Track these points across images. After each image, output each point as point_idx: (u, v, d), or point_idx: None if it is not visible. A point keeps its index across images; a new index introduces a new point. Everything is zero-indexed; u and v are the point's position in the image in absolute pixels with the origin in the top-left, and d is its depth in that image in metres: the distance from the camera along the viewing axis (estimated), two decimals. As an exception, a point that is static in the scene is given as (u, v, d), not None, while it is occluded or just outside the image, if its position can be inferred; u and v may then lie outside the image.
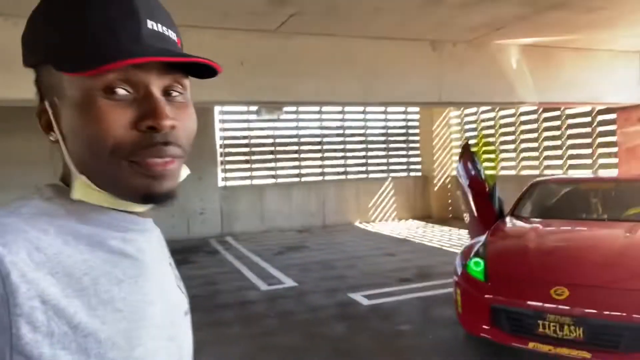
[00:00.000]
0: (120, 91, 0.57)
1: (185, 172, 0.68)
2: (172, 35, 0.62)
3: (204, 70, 0.61)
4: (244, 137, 10.48)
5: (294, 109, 10.53)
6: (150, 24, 0.58)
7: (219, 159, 10.16)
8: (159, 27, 0.60)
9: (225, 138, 10.31)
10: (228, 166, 10.35)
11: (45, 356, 0.52)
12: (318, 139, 11.15)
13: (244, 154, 10.48)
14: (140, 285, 0.63)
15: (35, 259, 0.53)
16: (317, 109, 10.97)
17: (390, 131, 11.91)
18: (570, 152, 9.02)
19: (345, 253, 7.91)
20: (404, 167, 12.05)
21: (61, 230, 0.58)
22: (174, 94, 0.61)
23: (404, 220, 11.51)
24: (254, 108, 9.46)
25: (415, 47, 5.95)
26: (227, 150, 10.33)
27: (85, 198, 0.61)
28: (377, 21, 5.15)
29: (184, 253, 8.13)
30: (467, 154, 5.34)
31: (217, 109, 9.92)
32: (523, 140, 9.96)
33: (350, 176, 11.48)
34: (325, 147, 11.23)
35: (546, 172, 9.24)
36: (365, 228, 10.62)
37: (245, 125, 10.47)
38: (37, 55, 0.60)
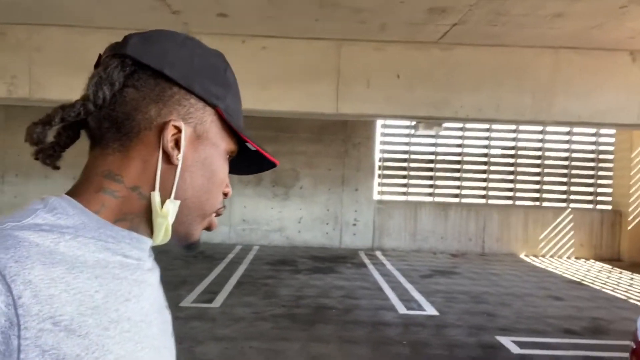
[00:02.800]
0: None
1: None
2: None
3: (261, 162, 0.72)
4: (404, 152, 10.27)
5: (457, 125, 9.94)
6: None
7: (377, 172, 10.14)
8: None
9: (384, 152, 10.26)
10: (385, 180, 10.27)
11: None
12: (484, 158, 10.31)
13: (402, 168, 10.27)
14: (141, 304, 0.62)
15: (51, 275, 0.52)
16: (485, 125, 10.16)
17: (574, 155, 10.37)
18: None
19: (501, 287, 7.08)
20: (590, 197, 10.34)
21: (72, 244, 0.56)
22: None
23: (584, 260, 9.86)
24: (414, 123, 9.21)
25: (608, 58, 5.01)
26: (385, 164, 10.27)
27: (161, 218, 0.63)
28: (557, 28, 4.46)
29: (332, 262, 8.28)
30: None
31: (378, 122, 9.94)
32: None
33: (519, 202, 10.33)
34: (491, 167, 10.32)
35: None
36: (532, 262, 9.39)
37: (405, 139, 10.26)
38: (197, 85, 0.63)
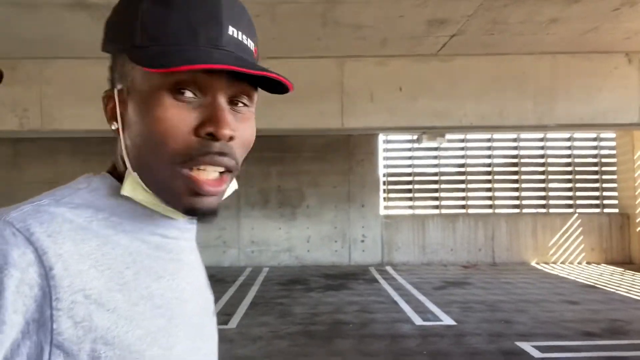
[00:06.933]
0: (188, 94, 0.56)
1: (232, 187, 0.65)
2: (251, 44, 0.60)
3: (275, 85, 0.59)
4: (407, 166, 10.34)
5: (459, 137, 10.04)
6: (231, 30, 0.57)
7: (382, 187, 10.19)
8: (239, 35, 0.58)
9: (388, 166, 10.33)
10: (390, 195, 10.31)
11: (85, 352, 0.51)
12: (487, 169, 10.37)
13: (407, 182, 10.32)
14: (177, 282, 0.62)
15: (79, 251, 0.53)
16: (486, 136, 10.25)
17: (577, 160, 10.42)
18: None
19: (515, 295, 7.03)
20: (596, 201, 10.35)
21: (105, 223, 0.57)
22: (240, 104, 0.59)
23: (595, 265, 9.80)
24: (416, 137, 9.31)
25: (604, 61, 5.11)
26: (389, 179, 10.32)
27: (133, 196, 0.60)
28: (553, 34, 4.58)
29: (344, 279, 8.25)
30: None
31: (381, 138, 10.04)
32: None
33: (525, 210, 10.33)
34: (495, 176, 10.37)
35: None
36: (543, 269, 9.34)
37: (408, 154, 10.34)
38: (117, 44, 0.60)
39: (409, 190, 10.31)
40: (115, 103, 0.61)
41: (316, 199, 9.79)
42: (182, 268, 0.64)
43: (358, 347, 4.72)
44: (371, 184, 9.93)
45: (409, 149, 10.29)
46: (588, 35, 4.62)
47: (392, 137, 10.20)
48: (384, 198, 10.22)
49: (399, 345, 4.79)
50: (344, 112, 5.07)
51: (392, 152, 10.40)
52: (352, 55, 5.03)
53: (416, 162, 10.33)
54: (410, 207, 10.29)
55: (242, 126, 0.59)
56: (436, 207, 10.29)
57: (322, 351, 4.59)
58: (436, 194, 10.29)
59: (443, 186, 10.30)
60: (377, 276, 8.64)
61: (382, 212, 10.11)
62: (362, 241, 9.84)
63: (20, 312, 0.49)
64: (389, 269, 9.39)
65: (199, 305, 0.66)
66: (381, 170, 10.19)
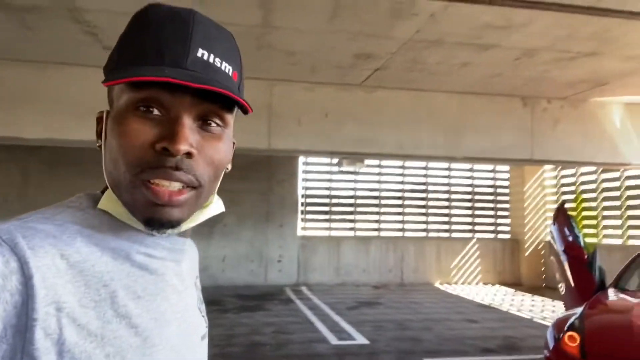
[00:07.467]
0: (153, 110, 0.58)
1: (217, 208, 0.68)
2: (227, 68, 0.61)
3: (242, 106, 0.61)
4: (326, 189, 10.61)
5: (375, 162, 10.55)
6: (201, 52, 0.58)
7: (300, 208, 10.33)
8: (210, 57, 0.59)
9: (307, 188, 10.52)
10: (308, 216, 10.48)
11: None
12: (399, 194, 10.98)
13: (324, 204, 10.57)
14: (157, 303, 0.62)
15: (57, 266, 0.54)
16: (399, 163, 10.88)
17: (477, 189, 11.43)
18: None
19: (422, 314, 7.47)
20: (491, 227, 11.38)
21: (89, 240, 0.59)
22: (212, 124, 0.61)
23: (490, 285, 10.72)
24: (335, 160, 9.62)
25: (505, 103, 5.76)
26: (308, 200, 10.51)
27: (110, 210, 0.62)
28: (464, 76, 5.08)
29: (259, 300, 8.18)
30: (563, 217, 4.91)
31: (300, 160, 10.22)
32: (630, 207, 8.99)
33: (431, 234, 11.06)
34: (406, 202, 11.01)
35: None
36: (446, 290, 10.02)
37: (327, 177, 10.64)
38: (106, 69, 0.64)
39: (327, 212, 10.56)
40: (102, 124, 0.65)
41: (234, 217, 9.66)
42: (165, 289, 0.64)
43: (276, 368, 4.72)
44: (290, 204, 10.03)
45: (328, 172, 10.59)
46: (493, 80, 5.19)
47: (312, 159, 10.43)
48: (302, 219, 10.36)
49: (316, 365, 4.87)
50: (271, 133, 5.15)
51: (311, 174, 10.63)
52: (282, 79, 5.15)
53: (334, 184, 10.64)
54: (327, 228, 10.53)
55: (209, 145, 0.60)
56: (351, 229, 10.64)
57: (240, 373, 4.53)
58: (352, 217, 10.66)
59: (358, 209, 10.70)
60: (293, 296, 8.69)
61: (300, 232, 10.23)
62: (279, 261, 9.85)
63: (0, 316, 0.50)
64: (304, 289, 9.48)
65: (181, 328, 0.65)
66: (300, 192, 10.35)
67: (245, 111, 0.62)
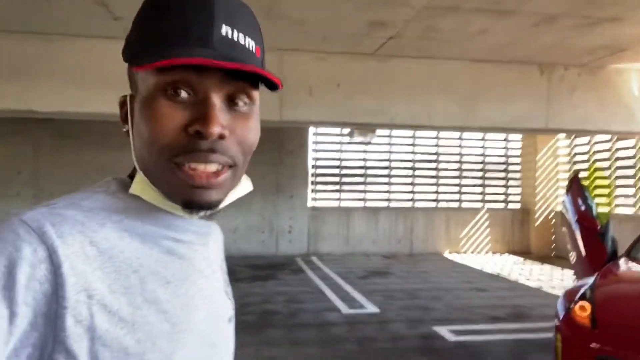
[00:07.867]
0: (183, 93, 0.56)
1: (246, 187, 0.67)
2: (250, 43, 0.60)
3: (269, 82, 0.59)
4: (336, 159, 10.59)
5: (386, 132, 10.46)
6: (224, 29, 0.57)
7: (310, 179, 10.35)
8: (234, 34, 0.58)
9: (317, 159, 10.50)
10: (318, 187, 10.50)
11: (85, 352, 0.53)
12: (410, 164, 10.93)
13: (335, 175, 10.57)
14: (186, 288, 0.63)
15: (87, 253, 0.54)
16: (410, 133, 10.78)
17: (488, 159, 11.33)
18: None
19: (431, 283, 7.56)
20: (502, 197, 11.34)
21: (117, 226, 0.58)
22: (240, 103, 0.59)
23: (499, 255, 10.77)
24: (346, 131, 9.55)
25: (521, 71, 5.63)
26: (318, 171, 10.51)
27: (142, 195, 0.61)
28: (480, 43, 4.96)
29: (271, 269, 8.31)
30: (577, 187, 4.86)
31: (310, 130, 10.16)
32: (644, 176, 8.88)
33: (441, 204, 11.05)
34: (416, 172, 10.96)
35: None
36: (455, 259, 10.09)
37: (337, 147, 10.59)
38: (125, 52, 0.62)
39: (337, 183, 10.57)
40: (127, 108, 0.63)
41: (244, 188, 9.70)
42: (193, 274, 0.64)
43: (288, 335, 4.83)
44: (300, 175, 10.04)
45: (338, 142, 10.54)
46: (510, 47, 5.06)
47: (322, 130, 10.37)
48: (312, 190, 10.39)
49: (327, 332, 4.98)
50: (283, 104, 5.10)
51: (321, 145, 10.58)
52: (293, 48, 5.06)
53: (345, 155, 10.60)
54: (337, 199, 10.56)
55: (240, 124, 0.59)
56: (361, 199, 10.66)
57: (254, 340, 4.64)
58: (362, 187, 10.66)
59: (369, 180, 10.69)
60: (304, 266, 8.81)
61: (310, 203, 10.28)
62: (290, 232, 9.95)
63: (31, 305, 0.50)
64: (314, 259, 9.60)
65: (209, 312, 0.66)
66: (310, 163, 10.34)
67: (274, 87, 0.59)
